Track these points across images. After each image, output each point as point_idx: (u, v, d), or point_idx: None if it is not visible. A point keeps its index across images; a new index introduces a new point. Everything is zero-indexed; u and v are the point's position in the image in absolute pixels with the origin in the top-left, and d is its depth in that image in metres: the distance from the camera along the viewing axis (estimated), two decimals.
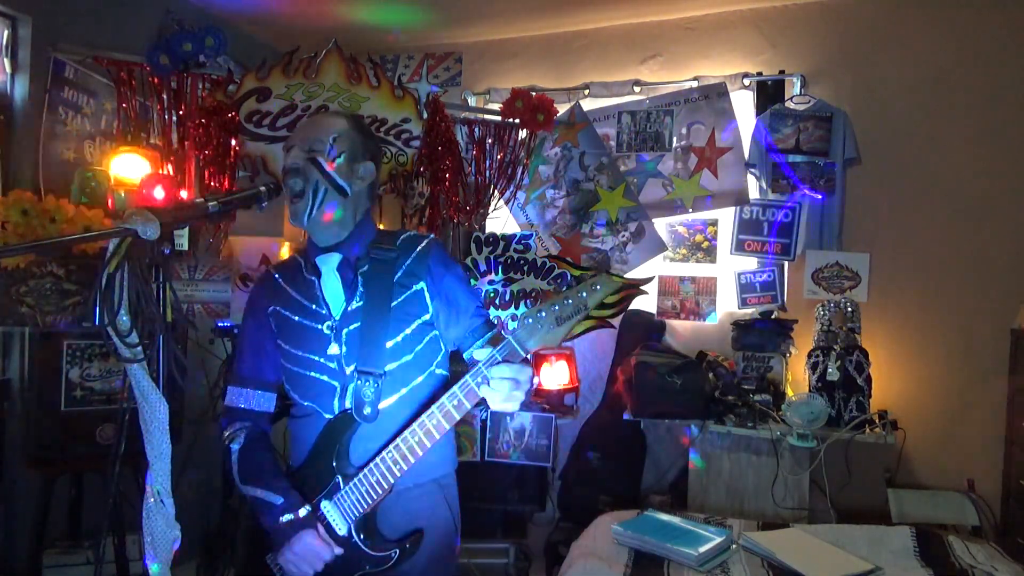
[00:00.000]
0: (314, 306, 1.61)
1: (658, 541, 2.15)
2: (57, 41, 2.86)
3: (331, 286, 1.61)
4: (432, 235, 1.71)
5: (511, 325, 3.30)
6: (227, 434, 1.63)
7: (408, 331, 1.59)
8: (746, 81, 3.51)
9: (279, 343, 1.64)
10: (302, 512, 1.51)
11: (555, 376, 3.43)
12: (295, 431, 1.67)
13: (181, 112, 2.84)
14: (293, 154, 1.58)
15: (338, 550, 1.52)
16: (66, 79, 2.90)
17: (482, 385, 1.45)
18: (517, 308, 3.36)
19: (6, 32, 2.79)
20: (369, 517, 1.55)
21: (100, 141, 3.07)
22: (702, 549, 2.08)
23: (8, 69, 2.80)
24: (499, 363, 1.43)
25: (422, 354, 1.62)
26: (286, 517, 1.50)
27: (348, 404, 1.56)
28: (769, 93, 3.44)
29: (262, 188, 1.47)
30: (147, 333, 1.22)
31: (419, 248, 1.64)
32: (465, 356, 1.64)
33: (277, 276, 1.69)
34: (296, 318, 1.62)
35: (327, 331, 1.59)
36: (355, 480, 1.53)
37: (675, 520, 2.33)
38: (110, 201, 2.78)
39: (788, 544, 2.17)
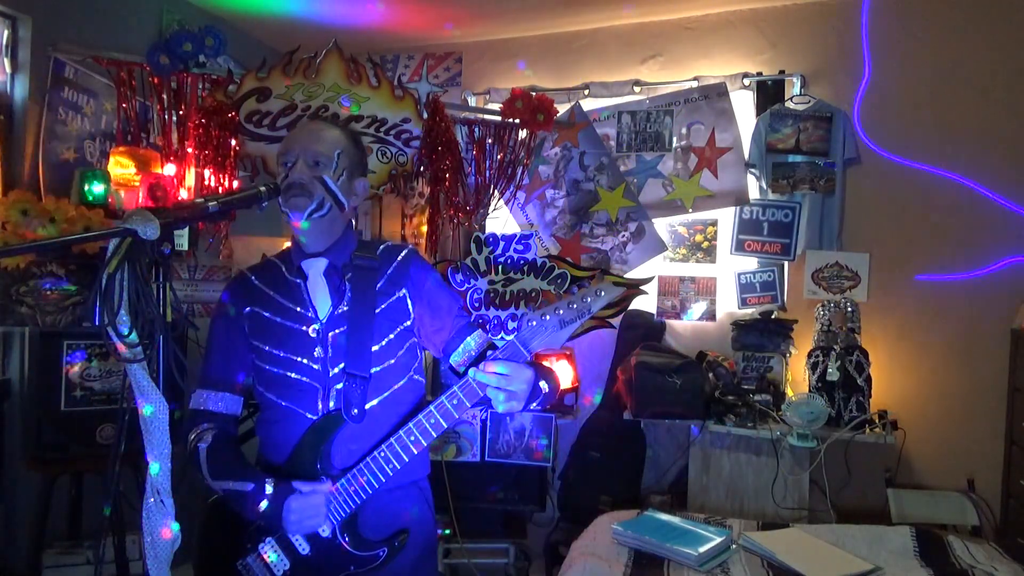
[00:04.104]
0: (299, 308, 1.61)
1: (658, 541, 2.14)
2: (57, 41, 2.86)
3: (318, 290, 1.63)
4: (410, 245, 1.76)
5: (511, 325, 3.31)
6: (193, 435, 1.59)
7: (391, 336, 1.62)
8: (746, 81, 3.51)
9: (255, 344, 1.62)
10: (268, 488, 1.49)
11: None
12: (269, 434, 1.65)
13: (181, 112, 2.84)
14: (298, 168, 1.56)
15: (327, 485, 1.51)
16: (66, 79, 2.91)
17: (481, 383, 1.47)
18: (517, 308, 3.36)
19: (6, 32, 2.79)
20: (352, 518, 1.55)
21: (100, 141, 3.07)
22: (702, 549, 2.08)
23: (8, 69, 2.80)
24: (499, 361, 1.46)
25: (403, 359, 1.65)
26: (263, 505, 1.49)
27: (332, 405, 1.57)
28: (769, 93, 3.44)
29: (262, 188, 1.46)
30: (147, 333, 1.22)
31: (399, 258, 1.68)
32: (453, 362, 1.66)
33: (253, 278, 1.68)
34: (278, 319, 1.61)
35: (312, 334, 1.59)
36: (343, 480, 1.53)
37: (675, 520, 2.33)
38: (111, 200, 2.78)
39: (788, 544, 2.17)
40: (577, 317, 1.45)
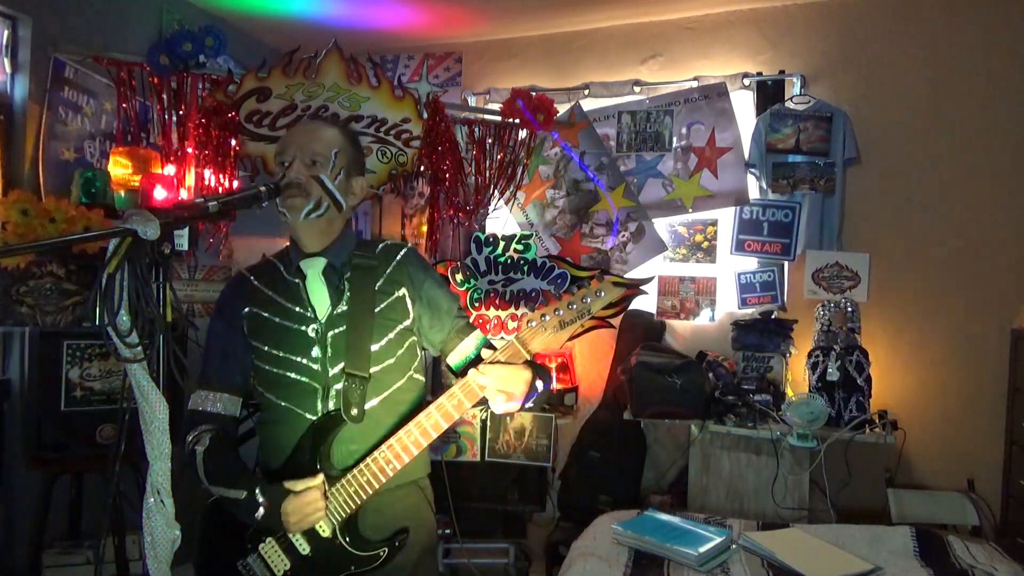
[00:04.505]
0: (298, 308, 1.61)
1: (658, 541, 2.14)
2: (57, 41, 2.86)
3: (316, 290, 1.62)
4: (409, 244, 1.75)
5: (511, 325, 3.31)
6: (191, 438, 1.57)
7: (391, 336, 1.61)
8: (746, 81, 3.51)
9: (254, 344, 1.61)
10: (260, 498, 1.48)
11: (555, 376, 3.43)
12: (269, 435, 1.64)
13: (181, 112, 2.84)
14: (295, 167, 1.55)
15: (320, 478, 1.50)
16: (66, 79, 2.90)
17: (480, 384, 1.47)
18: (517, 308, 3.36)
19: (6, 32, 2.79)
20: (352, 518, 1.55)
21: (100, 141, 3.07)
22: (702, 549, 2.08)
23: (8, 69, 2.80)
24: (498, 362, 1.47)
25: (403, 358, 1.64)
26: (260, 512, 1.48)
27: (332, 406, 1.56)
28: (769, 93, 3.44)
29: (262, 188, 1.46)
30: (147, 333, 1.21)
31: (399, 257, 1.67)
32: (451, 361, 1.67)
33: (252, 278, 1.68)
34: (277, 319, 1.61)
35: (312, 333, 1.59)
36: (343, 481, 1.53)
37: (675, 520, 2.33)
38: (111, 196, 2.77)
39: (788, 544, 2.17)
40: (577, 317, 1.45)
